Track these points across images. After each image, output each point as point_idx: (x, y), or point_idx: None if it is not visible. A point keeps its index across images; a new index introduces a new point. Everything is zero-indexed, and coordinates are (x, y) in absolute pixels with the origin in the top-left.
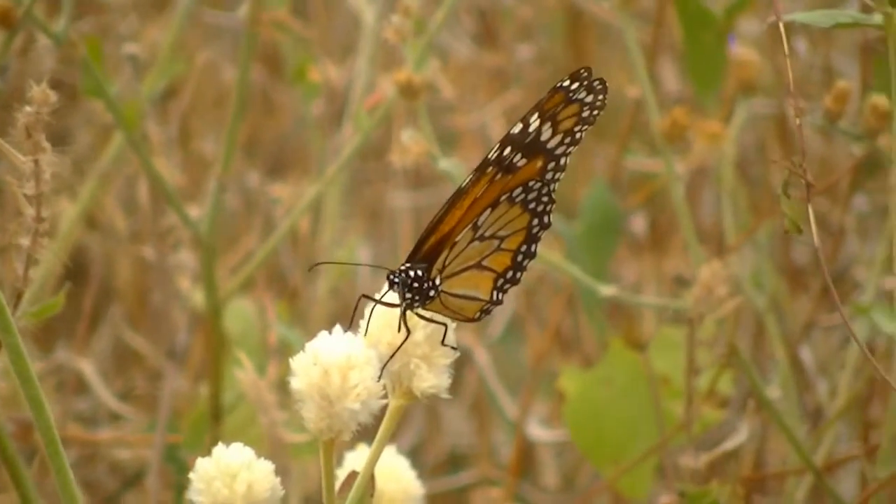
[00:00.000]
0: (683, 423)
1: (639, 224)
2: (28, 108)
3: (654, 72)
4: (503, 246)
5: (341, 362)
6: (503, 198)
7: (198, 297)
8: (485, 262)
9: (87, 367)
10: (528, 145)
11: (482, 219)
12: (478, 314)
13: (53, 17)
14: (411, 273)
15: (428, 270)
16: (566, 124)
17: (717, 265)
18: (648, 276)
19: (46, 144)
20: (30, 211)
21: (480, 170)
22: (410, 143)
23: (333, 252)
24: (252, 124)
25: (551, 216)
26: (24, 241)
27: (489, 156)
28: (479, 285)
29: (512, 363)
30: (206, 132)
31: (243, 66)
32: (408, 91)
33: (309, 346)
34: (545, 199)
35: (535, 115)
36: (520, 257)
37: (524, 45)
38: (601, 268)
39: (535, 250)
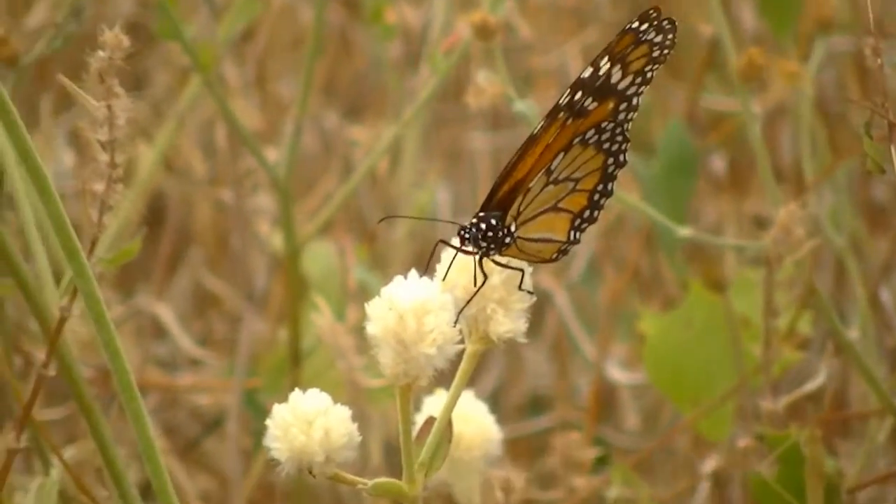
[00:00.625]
0: (763, 365)
1: (717, 164)
2: (101, 53)
3: (730, 10)
4: (578, 187)
5: (416, 307)
6: (576, 140)
7: (276, 241)
8: (560, 205)
9: (166, 312)
10: (599, 88)
11: (556, 163)
12: (555, 255)
13: None
14: (483, 225)
15: (502, 218)
16: (636, 65)
17: (796, 205)
18: (727, 216)
19: (120, 90)
20: (103, 157)
21: (552, 115)
22: (486, 85)
23: (412, 195)
24: (329, 66)
25: (626, 155)
26: (99, 187)
27: (560, 101)
28: (555, 227)
29: (592, 305)
30: (283, 74)
31: (319, 6)
32: (484, 32)
33: (384, 290)
34: (619, 138)
35: (605, 59)
36: (596, 196)
37: None
38: (679, 208)
39: (612, 189)
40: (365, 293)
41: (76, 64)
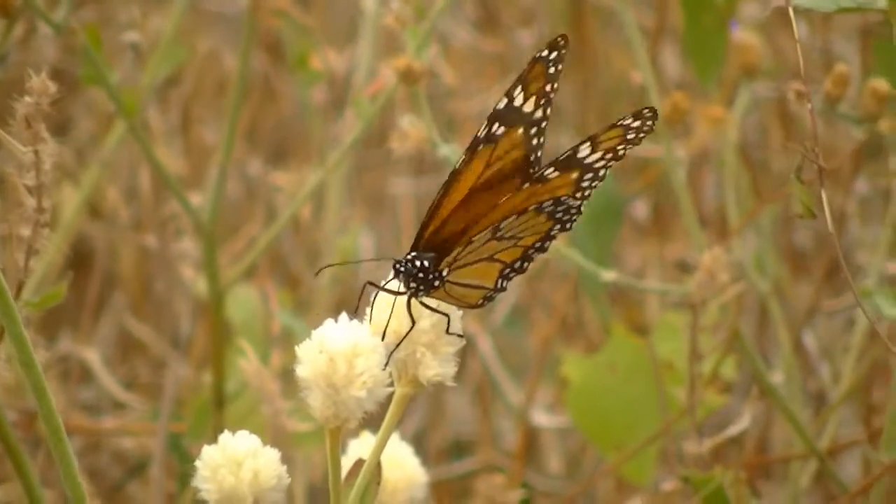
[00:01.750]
0: (686, 409)
1: (641, 209)
2: (28, 99)
3: (656, 57)
4: (519, 243)
5: (347, 350)
6: (531, 207)
7: (200, 286)
8: (496, 256)
9: (91, 356)
10: (564, 161)
11: (505, 223)
12: (481, 301)
13: (53, 5)
14: (417, 263)
15: (436, 261)
16: (609, 143)
17: (720, 250)
18: (651, 261)
19: (46, 135)
20: (30, 201)
21: (472, 149)
22: (410, 129)
23: (336, 240)
24: (253, 111)
25: (574, 224)
26: (26, 232)
27: (478, 133)
28: (485, 275)
29: (516, 350)
30: (207, 119)
31: (244, 53)
32: (408, 77)
33: (315, 333)
34: (574, 211)
35: (518, 88)
36: (531, 251)
37: (525, 30)
38: (604, 253)
39: (548, 246)
40: (288, 338)
41: (1, 109)
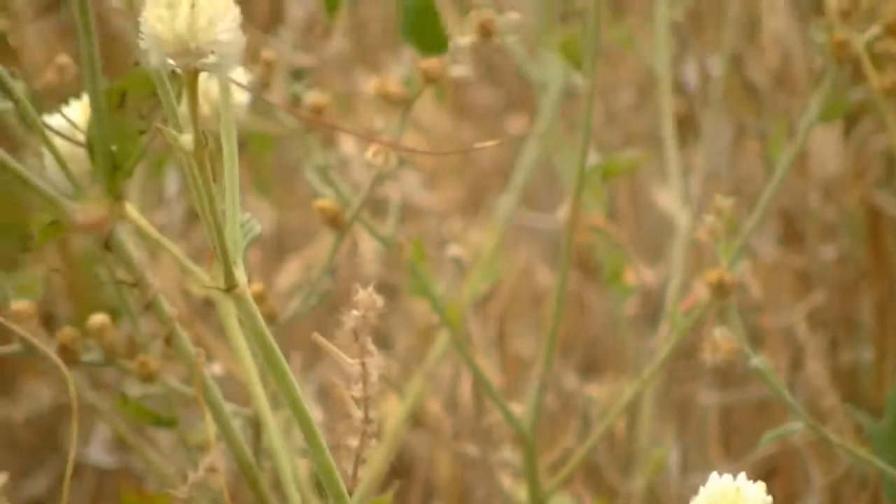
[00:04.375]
0: None
1: None
2: (355, 312)
3: None
4: None
5: None
6: None
7: (520, 495)
8: None
9: None
10: None
11: None
12: None
13: (380, 219)
14: None
15: None
16: None
17: None
18: None
19: (372, 347)
20: (358, 413)
21: None
22: (722, 342)
23: (649, 451)
24: (567, 324)
25: None
26: (353, 442)
27: None
28: None
29: None
30: (523, 332)
31: (563, 268)
32: (721, 291)
33: None
34: None
35: None
36: None
37: (827, 246)
38: None
39: None
40: None
41: (320, 321)
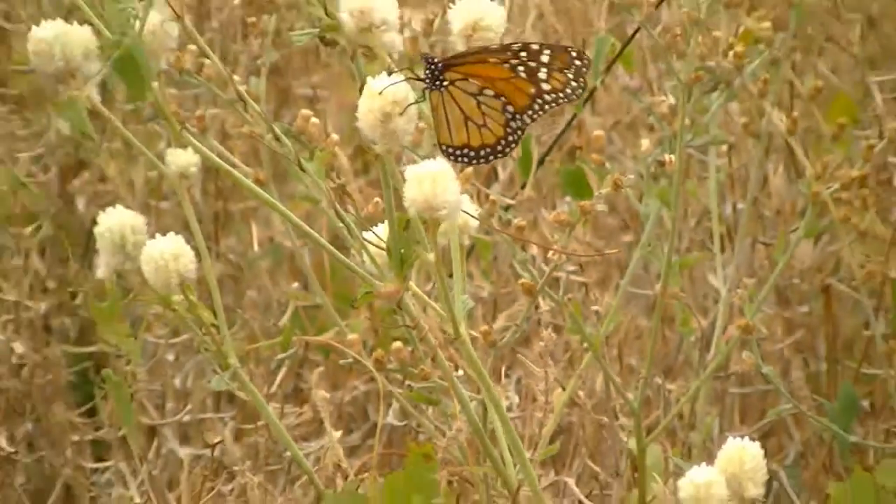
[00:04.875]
0: None
1: None
2: (541, 342)
3: None
4: (487, 122)
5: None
6: (494, 94)
7: (631, 443)
8: (470, 116)
9: None
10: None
11: (485, 91)
12: (466, 150)
13: (554, 290)
14: (434, 61)
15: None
16: (555, 83)
17: None
18: None
19: (550, 362)
20: (541, 398)
21: (510, 62)
22: (746, 359)
23: (702, 421)
24: (656, 349)
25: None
26: (538, 415)
27: (518, 56)
28: (470, 121)
29: None
30: (632, 353)
31: (656, 317)
32: (745, 331)
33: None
34: (518, 130)
35: (544, 71)
36: (489, 132)
37: (803, 306)
38: None
39: (510, 142)
40: None
41: (521, 345)
